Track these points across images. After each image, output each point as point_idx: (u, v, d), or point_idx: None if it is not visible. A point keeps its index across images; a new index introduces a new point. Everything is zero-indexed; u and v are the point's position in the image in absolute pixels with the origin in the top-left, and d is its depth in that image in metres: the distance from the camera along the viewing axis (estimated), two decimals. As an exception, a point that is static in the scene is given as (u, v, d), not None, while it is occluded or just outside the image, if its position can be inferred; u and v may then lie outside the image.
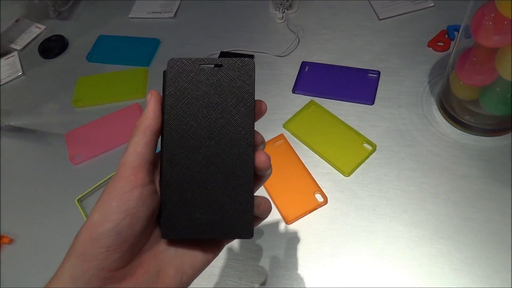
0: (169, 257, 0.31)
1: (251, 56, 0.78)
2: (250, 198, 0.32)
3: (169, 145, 0.32)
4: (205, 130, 0.32)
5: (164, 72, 0.32)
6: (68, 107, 0.79)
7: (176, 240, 0.32)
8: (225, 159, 0.32)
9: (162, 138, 0.32)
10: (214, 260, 0.34)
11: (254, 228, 0.32)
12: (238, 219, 0.31)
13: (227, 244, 0.35)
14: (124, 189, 0.29)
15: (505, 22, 0.47)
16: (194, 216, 0.31)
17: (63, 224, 0.64)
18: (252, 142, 0.32)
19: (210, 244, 0.33)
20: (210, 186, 0.32)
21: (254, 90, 0.32)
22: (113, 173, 0.30)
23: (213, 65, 0.32)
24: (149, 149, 0.31)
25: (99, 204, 0.29)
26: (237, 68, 0.32)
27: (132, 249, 0.29)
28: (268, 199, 0.34)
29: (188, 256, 0.32)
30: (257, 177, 0.34)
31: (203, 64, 0.32)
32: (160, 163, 0.32)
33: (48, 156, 0.73)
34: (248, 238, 0.32)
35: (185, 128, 0.32)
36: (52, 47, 0.90)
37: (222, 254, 0.56)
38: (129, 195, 0.29)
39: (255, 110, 0.32)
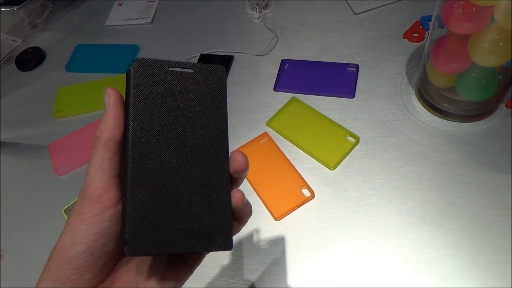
0: (147, 270, 0.30)
1: (230, 58, 0.78)
2: (227, 207, 0.30)
3: (135, 153, 0.28)
4: (175, 137, 0.29)
5: (128, 72, 0.29)
6: (49, 119, 0.78)
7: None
8: (198, 167, 0.30)
9: (125, 143, 0.29)
10: (205, 261, 0.34)
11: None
12: (214, 230, 0.29)
13: (207, 254, 0.34)
14: (94, 212, 0.27)
15: (474, 9, 0.48)
16: (164, 229, 0.28)
17: (51, 235, 0.63)
18: (227, 149, 0.30)
19: (190, 255, 0.32)
20: (182, 196, 0.29)
21: (226, 96, 0.31)
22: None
23: (182, 69, 0.30)
24: (114, 164, 0.28)
25: (69, 227, 0.28)
26: (208, 74, 0.31)
27: (106, 267, 0.29)
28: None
29: (169, 268, 0.31)
30: (232, 180, 0.31)
31: (172, 67, 0.30)
32: (123, 168, 0.29)
33: (32, 168, 0.72)
34: (226, 250, 0.29)
35: (153, 135, 0.29)
36: (29, 59, 0.89)
37: (213, 255, 0.56)
38: (100, 218, 0.27)
39: (227, 121, 0.31)
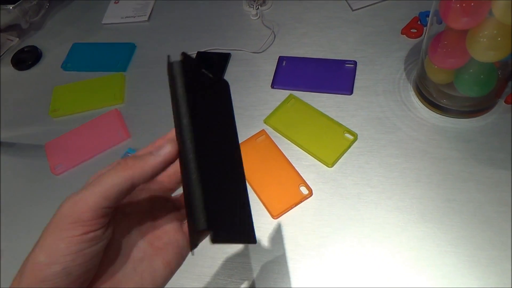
0: (126, 276, 0.30)
1: (227, 56, 0.78)
2: (248, 205, 0.33)
3: (198, 154, 0.29)
4: (214, 138, 0.32)
5: (171, 67, 0.30)
6: (46, 118, 0.78)
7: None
8: (229, 169, 0.32)
9: (185, 144, 0.29)
10: (202, 260, 0.34)
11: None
12: (248, 225, 0.33)
13: (186, 255, 0.34)
14: (76, 232, 0.26)
15: (472, 4, 0.48)
16: (231, 221, 0.31)
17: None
18: (239, 151, 0.34)
19: (173, 257, 0.32)
20: (229, 194, 0.32)
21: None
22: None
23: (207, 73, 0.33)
24: (119, 193, 0.27)
25: (44, 242, 0.26)
26: (220, 84, 0.34)
27: (84, 283, 0.27)
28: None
29: (148, 272, 0.30)
30: None
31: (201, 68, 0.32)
32: (184, 168, 0.29)
33: (29, 168, 0.72)
34: (254, 243, 0.33)
35: (203, 135, 0.30)
36: (25, 58, 0.89)
37: (210, 253, 0.56)
38: (82, 238, 0.26)
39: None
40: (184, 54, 0.30)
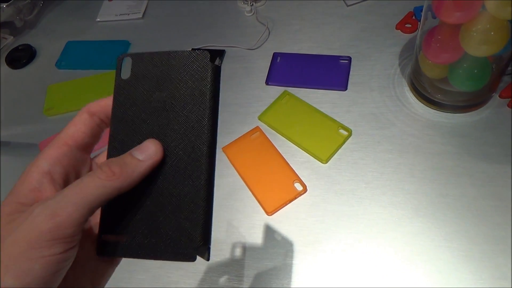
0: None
1: (221, 52, 0.77)
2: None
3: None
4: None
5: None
6: (40, 117, 0.78)
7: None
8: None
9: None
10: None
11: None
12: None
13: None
14: (55, 250, 0.23)
15: (465, -2, 0.48)
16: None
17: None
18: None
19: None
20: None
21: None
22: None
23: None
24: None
25: (13, 263, 0.22)
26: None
27: None
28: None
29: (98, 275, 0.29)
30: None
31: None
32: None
33: (23, 167, 0.71)
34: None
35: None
36: (19, 57, 0.89)
37: (206, 251, 0.56)
38: (61, 257, 0.23)
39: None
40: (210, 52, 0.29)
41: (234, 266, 0.55)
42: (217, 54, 0.27)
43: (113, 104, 0.30)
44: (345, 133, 0.63)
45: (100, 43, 0.87)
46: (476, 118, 0.61)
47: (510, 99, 0.61)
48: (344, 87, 0.68)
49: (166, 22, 0.87)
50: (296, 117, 0.66)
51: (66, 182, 0.28)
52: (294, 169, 0.61)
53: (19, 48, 0.90)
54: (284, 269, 0.53)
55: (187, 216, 0.27)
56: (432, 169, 0.58)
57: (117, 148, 0.29)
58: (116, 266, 0.31)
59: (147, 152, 0.27)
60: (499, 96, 0.62)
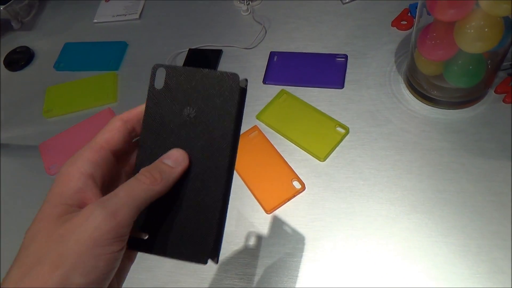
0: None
1: (218, 52, 0.78)
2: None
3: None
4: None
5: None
6: (40, 118, 0.78)
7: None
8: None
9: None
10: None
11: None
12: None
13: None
14: (115, 248, 0.25)
15: (459, -4, 0.48)
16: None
17: (44, 236, 0.63)
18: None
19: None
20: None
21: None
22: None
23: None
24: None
25: (79, 260, 0.24)
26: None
27: None
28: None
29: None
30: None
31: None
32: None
33: (24, 169, 0.72)
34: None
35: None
36: (18, 59, 0.89)
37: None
38: (119, 254, 0.26)
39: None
40: (246, 81, 0.32)
41: (234, 264, 0.55)
42: (244, 79, 0.29)
43: (145, 112, 0.32)
44: (342, 131, 0.63)
45: (98, 44, 0.87)
46: (472, 114, 0.62)
47: (505, 94, 0.62)
48: (341, 85, 0.68)
49: (163, 22, 0.88)
50: (293, 115, 0.66)
51: (104, 185, 0.30)
52: (292, 167, 0.61)
53: (17, 50, 0.90)
54: (284, 267, 0.54)
55: (203, 223, 0.30)
56: (429, 165, 0.58)
57: (147, 154, 0.32)
58: (132, 263, 0.32)
59: (177, 160, 0.30)
60: (494, 91, 0.63)
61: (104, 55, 0.84)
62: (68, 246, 0.24)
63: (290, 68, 0.72)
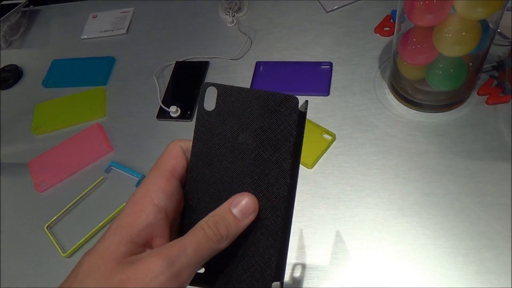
0: None
1: (205, 64, 0.78)
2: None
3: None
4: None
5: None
6: (29, 136, 0.78)
7: None
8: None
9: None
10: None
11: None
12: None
13: None
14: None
15: (435, 1, 0.49)
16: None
17: (34, 252, 0.63)
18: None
19: None
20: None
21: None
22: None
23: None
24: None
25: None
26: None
27: None
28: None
29: None
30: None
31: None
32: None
33: (13, 187, 0.72)
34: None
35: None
36: (6, 77, 0.89)
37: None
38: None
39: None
40: (307, 103, 0.29)
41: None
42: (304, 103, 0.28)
43: (194, 136, 0.29)
44: (329, 137, 0.64)
45: (86, 60, 0.88)
46: (457, 116, 0.63)
47: (488, 96, 0.63)
48: (327, 92, 0.69)
49: (150, 36, 0.88)
50: (280, 124, 0.67)
51: (174, 219, 0.28)
52: (280, 175, 0.61)
53: (6, 69, 0.91)
54: (274, 275, 0.54)
55: (263, 253, 0.28)
56: (416, 168, 0.59)
57: (199, 185, 0.29)
58: None
59: (245, 212, 0.28)
60: (477, 93, 0.63)
61: (92, 71, 0.85)
62: None
63: (276, 77, 0.73)
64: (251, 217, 0.28)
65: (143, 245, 0.26)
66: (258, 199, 0.28)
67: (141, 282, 0.24)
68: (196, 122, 0.29)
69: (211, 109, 0.29)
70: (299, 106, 0.29)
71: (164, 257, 0.25)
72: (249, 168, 0.29)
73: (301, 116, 0.29)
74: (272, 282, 0.28)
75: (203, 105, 0.29)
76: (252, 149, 0.29)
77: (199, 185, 0.29)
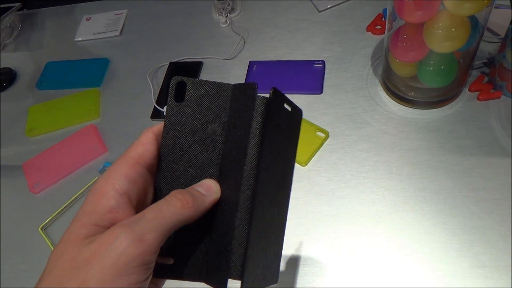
0: None
1: (199, 64, 0.79)
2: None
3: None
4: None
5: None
6: (23, 138, 0.78)
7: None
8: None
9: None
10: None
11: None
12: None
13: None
14: (141, 277, 0.24)
15: (424, -2, 0.50)
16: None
17: (29, 253, 0.63)
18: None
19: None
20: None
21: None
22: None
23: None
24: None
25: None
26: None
27: None
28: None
29: None
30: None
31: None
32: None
33: (8, 189, 0.72)
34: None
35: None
36: (0, 80, 0.89)
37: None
38: (144, 284, 0.24)
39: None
40: (274, 90, 0.29)
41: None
42: (286, 100, 0.27)
43: (164, 128, 0.30)
44: (322, 135, 0.64)
45: (80, 62, 0.88)
46: (448, 113, 0.63)
47: (479, 92, 0.63)
48: (320, 91, 0.69)
49: (144, 37, 0.89)
50: (274, 122, 0.67)
51: (138, 203, 0.28)
52: (274, 173, 0.62)
53: (0, 71, 0.91)
54: (269, 272, 0.54)
55: (230, 246, 0.27)
56: (408, 164, 0.59)
57: (168, 174, 0.30)
58: None
59: (209, 190, 0.28)
60: (468, 90, 0.64)
61: (86, 72, 0.85)
62: (91, 274, 0.23)
63: (269, 76, 0.73)
64: (215, 196, 0.28)
65: (108, 228, 0.25)
66: (224, 188, 0.29)
67: (105, 253, 0.23)
68: (165, 114, 0.30)
69: (180, 102, 0.30)
70: (280, 100, 0.29)
71: (121, 224, 0.24)
72: (217, 157, 0.30)
73: (270, 102, 0.28)
74: (237, 275, 0.27)
75: (173, 98, 0.30)
76: (220, 140, 0.30)
77: (167, 175, 0.30)
